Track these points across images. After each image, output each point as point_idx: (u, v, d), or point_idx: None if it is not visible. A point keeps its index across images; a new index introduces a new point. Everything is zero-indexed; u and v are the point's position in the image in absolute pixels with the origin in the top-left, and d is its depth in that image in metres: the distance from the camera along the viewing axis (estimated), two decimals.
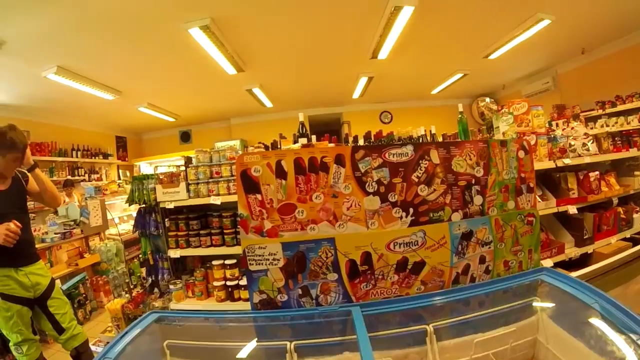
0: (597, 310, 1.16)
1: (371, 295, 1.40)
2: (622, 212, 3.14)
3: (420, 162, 1.40)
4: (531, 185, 1.61)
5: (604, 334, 1.13)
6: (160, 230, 2.82)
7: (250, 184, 1.39)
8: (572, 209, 2.78)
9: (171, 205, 2.71)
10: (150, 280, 3.02)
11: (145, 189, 2.87)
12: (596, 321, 1.16)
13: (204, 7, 3.58)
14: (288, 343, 1.32)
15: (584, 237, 2.86)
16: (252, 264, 1.44)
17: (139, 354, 1.36)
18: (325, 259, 1.40)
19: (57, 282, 2.96)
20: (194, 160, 2.83)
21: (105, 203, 4.74)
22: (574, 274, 1.83)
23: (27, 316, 2.37)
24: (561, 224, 2.89)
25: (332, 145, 2.77)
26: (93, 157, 7.90)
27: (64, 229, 4.28)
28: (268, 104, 7.99)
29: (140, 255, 3.00)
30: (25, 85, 5.10)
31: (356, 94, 8.03)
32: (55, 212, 4.50)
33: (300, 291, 1.43)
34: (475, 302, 1.44)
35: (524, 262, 1.57)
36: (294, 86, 7.09)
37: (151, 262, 2.93)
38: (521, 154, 1.60)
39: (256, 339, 1.42)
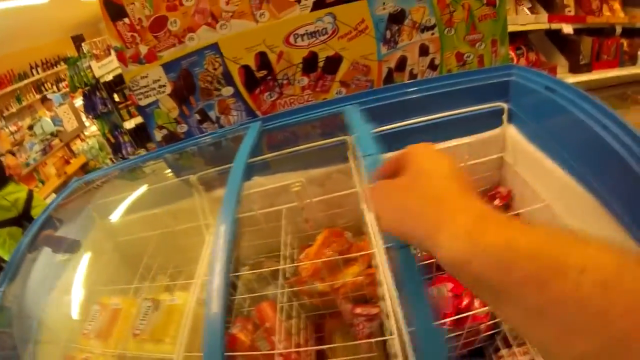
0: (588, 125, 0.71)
1: (279, 106, 1.07)
2: (625, 44, 2.58)
3: None
4: None
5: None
6: (110, 106, 2.51)
7: (115, 10, 1.04)
8: (568, 28, 2.24)
9: (110, 77, 2.34)
10: (119, 158, 2.83)
11: (82, 71, 2.49)
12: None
13: None
14: (191, 176, 1.07)
15: (580, 63, 2.38)
16: (141, 98, 1.16)
17: (68, 226, 1.17)
18: (213, 71, 1.05)
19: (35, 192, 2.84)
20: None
21: (76, 105, 4.37)
22: None
23: (18, 235, 2.30)
24: (554, 45, 2.38)
25: None
26: (55, 67, 7.09)
27: (43, 145, 4.06)
28: None
29: (101, 137, 2.78)
30: None
31: None
32: (32, 133, 4.24)
33: (198, 116, 1.14)
34: (416, 106, 1.07)
35: (487, 56, 1.15)
36: None
37: (112, 141, 2.69)
38: None
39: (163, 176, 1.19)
